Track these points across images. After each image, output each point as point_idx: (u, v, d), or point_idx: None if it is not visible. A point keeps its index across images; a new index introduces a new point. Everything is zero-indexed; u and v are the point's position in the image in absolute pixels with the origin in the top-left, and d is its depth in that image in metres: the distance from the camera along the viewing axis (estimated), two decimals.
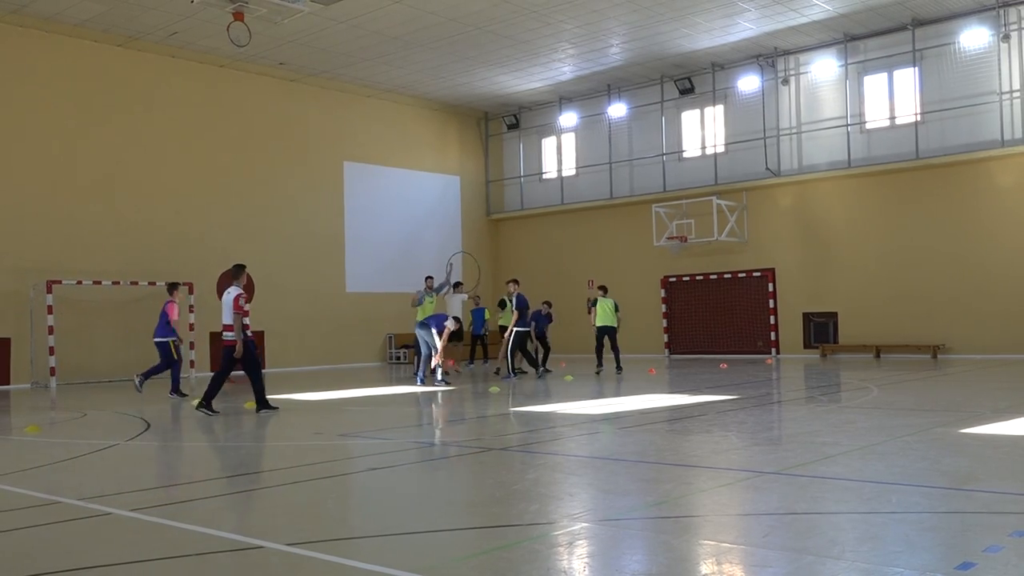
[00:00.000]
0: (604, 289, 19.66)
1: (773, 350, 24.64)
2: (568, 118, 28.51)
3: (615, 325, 19.16)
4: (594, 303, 19.45)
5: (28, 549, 5.23)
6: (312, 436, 10.44)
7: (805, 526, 5.32)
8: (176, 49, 22.34)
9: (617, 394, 14.51)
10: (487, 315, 22.62)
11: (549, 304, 20.63)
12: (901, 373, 17.34)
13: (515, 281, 19.14)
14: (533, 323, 20.40)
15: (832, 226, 23.79)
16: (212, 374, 12.92)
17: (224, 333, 12.47)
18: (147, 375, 15.97)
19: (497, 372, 19.17)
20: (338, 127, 26.21)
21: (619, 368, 19.22)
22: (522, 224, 30.11)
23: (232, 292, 12.39)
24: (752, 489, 6.45)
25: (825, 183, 23.94)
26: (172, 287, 16.30)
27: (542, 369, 18.83)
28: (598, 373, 19.13)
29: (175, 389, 15.72)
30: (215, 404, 12.59)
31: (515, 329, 18.26)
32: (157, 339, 15.93)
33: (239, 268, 12.78)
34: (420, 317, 17.95)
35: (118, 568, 4.68)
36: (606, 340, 19.28)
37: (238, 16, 18.53)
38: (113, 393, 17.48)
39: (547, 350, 20.19)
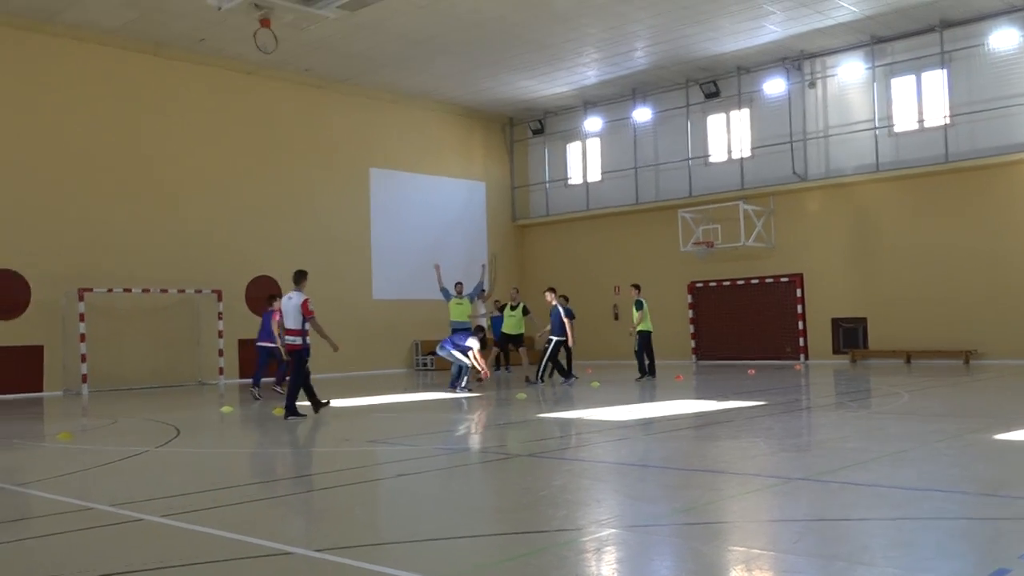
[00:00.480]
0: (639, 288, 19.40)
1: (802, 356, 24.44)
2: (593, 123, 28.48)
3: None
4: (640, 305, 18.82)
5: (62, 554, 5.29)
6: (340, 442, 10.49)
7: (835, 532, 5.27)
8: (204, 56, 22.57)
9: (644, 400, 14.46)
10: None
11: (566, 299, 20.30)
12: (932, 379, 17.15)
13: (552, 290, 18.79)
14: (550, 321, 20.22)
15: (861, 230, 23.57)
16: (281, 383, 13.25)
17: (287, 338, 12.73)
18: (257, 381, 16.79)
19: (528, 380, 19.12)
20: (364, 133, 26.35)
21: (654, 374, 19.06)
22: (548, 230, 30.10)
23: (296, 297, 12.64)
24: (781, 495, 6.40)
25: (853, 187, 23.74)
26: (272, 298, 17.03)
27: (573, 377, 18.49)
28: (641, 379, 18.64)
29: (279, 381, 16.88)
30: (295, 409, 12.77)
31: (554, 338, 18.07)
32: (261, 343, 17.03)
33: (303, 274, 13.01)
34: (451, 316, 18.10)
35: (149, 573, 4.72)
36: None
37: (265, 23, 18.66)
38: (143, 400, 17.65)
39: (569, 353, 19.95)
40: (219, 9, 18.32)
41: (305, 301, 12.56)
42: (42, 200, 20.25)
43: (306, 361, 12.79)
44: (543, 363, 18.32)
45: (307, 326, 12.62)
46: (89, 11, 19.45)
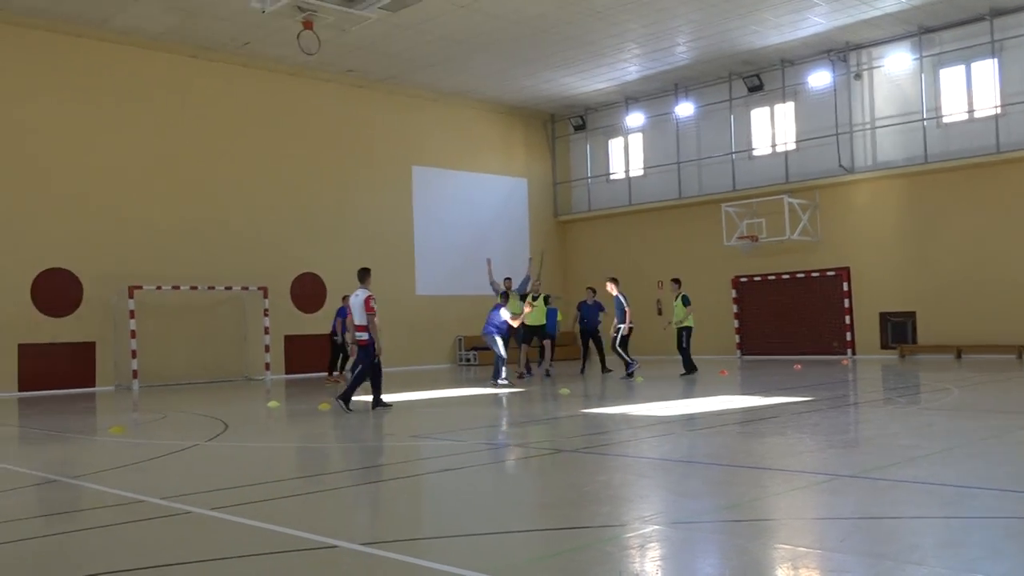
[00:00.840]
0: (680, 282, 19.08)
1: (849, 351, 24.12)
2: (635, 118, 28.35)
3: None
4: (687, 301, 18.37)
5: (113, 546, 5.41)
6: (384, 437, 10.58)
7: (883, 531, 5.20)
8: (248, 58, 22.86)
9: (688, 396, 14.37)
10: (559, 316, 21.30)
11: (594, 291, 20.12)
12: (983, 374, 16.83)
13: (615, 280, 18.58)
14: (578, 314, 20.07)
15: (909, 223, 23.19)
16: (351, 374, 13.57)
17: (356, 333, 13.10)
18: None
19: (548, 373, 19.08)
20: (406, 131, 26.51)
21: (695, 369, 18.74)
22: (590, 225, 30.03)
23: (361, 294, 13.04)
24: (828, 492, 6.34)
25: (901, 179, 23.36)
26: (345, 298, 18.37)
27: (610, 371, 18.45)
28: (686, 375, 18.34)
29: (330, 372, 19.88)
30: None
31: (622, 326, 17.98)
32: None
33: (366, 271, 13.41)
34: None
35: (198, 565, 4.81)
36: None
37: (307, 25, 18.89)
38: (192, 395, 17.94)
39: (600, 348, 19.84)
40: (263, 12, 18.57)
41: (368, 298, 12.95)
42: (93, 201, 20.67)
43: (373, 355, 13.05)
44: (622, 352, 18.01)
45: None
46: (136, 17, 19.79)
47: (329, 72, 24.25)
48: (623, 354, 18.05)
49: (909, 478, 6.68)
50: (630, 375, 17.89)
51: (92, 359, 20.57)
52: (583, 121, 29.55)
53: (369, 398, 13.39)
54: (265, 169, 23.46)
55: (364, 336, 12.99)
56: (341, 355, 19.85)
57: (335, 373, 20.06)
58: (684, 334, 18.49)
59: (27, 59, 19.93)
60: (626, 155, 29.28)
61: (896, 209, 23.47)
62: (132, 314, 20.50)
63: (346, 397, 12.86)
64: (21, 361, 19.60)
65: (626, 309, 18.08)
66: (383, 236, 25.68)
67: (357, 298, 13.08)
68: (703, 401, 13.29)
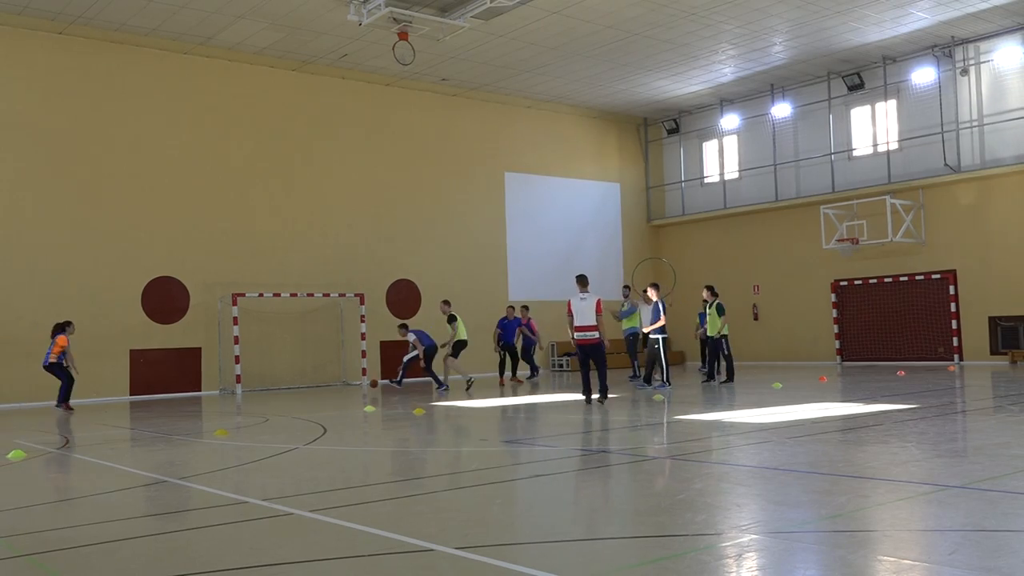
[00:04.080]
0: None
1: (956, 356, 23.22)
2: (730, 120, 27.93)
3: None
4: (721, 308, 18.06)
5: (218, 546, 5.59)
6: (478, 442, 10.65)
7: (995, 544, 4.99)
8: (346, 71, 23.38)
9: (786, 403, 14.05)
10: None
11: (706, 303, 19.77)
12: None
13: (655, 286, 17.62)
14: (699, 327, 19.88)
15: (1020, 223, 22.20)
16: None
17: (581, 333, 14.19)
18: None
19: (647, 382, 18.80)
20: (499, 138, 26.70)
21: (712, 377, 18.43)
22: (684, 229, 29.69)
23: (590, 298, 14.12)
24: (935, 503, 6.11)
25: (1011, 178, 22.39)
26: (510, 308, 21.92)
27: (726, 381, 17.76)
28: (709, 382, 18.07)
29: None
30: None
31: (658, 336, 16.88)
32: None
33: (586, 278, 14.46)
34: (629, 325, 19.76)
35: (299, 566, 4.93)
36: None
37: (403, 36, 19.26)
38: (292, 399, 18.41)
39: (703, 353, 19.67)
40: (360, 24, 19.00)
41: (598, 301, 14.20)
42: (200, 212, 21.45)
43: (605, 349, 14.40)
44: (653, 364, 17.16)
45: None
46: (240, 33, 20.47)
47: (423, 81, 24.61)
48: (649, 368, 17.20)
49: (1022, 489, 6.39)
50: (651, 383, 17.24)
51: (198, 364, 21.32)
52: (676, 124, 29.26)
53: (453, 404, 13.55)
54: (361, 178, 23.95)
55: (595, 335, 14.12)
56: (508, 361, 21.04)
57: (506, 375, 21.19)
58: (723, 342, 18.08)
59: (137, 77, 20.82)
60: (721, 158, 28.86)
61: (1006, 209, 22.51)
62: (235, 320, 21.18)
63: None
64: (132, 366, 20.45)
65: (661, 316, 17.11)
66: (476, 242, 25.91)
67: (584, 301, 14.08)
68: (801, 408, 12.98)
